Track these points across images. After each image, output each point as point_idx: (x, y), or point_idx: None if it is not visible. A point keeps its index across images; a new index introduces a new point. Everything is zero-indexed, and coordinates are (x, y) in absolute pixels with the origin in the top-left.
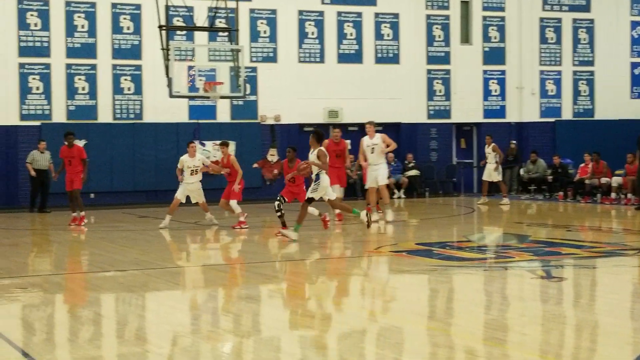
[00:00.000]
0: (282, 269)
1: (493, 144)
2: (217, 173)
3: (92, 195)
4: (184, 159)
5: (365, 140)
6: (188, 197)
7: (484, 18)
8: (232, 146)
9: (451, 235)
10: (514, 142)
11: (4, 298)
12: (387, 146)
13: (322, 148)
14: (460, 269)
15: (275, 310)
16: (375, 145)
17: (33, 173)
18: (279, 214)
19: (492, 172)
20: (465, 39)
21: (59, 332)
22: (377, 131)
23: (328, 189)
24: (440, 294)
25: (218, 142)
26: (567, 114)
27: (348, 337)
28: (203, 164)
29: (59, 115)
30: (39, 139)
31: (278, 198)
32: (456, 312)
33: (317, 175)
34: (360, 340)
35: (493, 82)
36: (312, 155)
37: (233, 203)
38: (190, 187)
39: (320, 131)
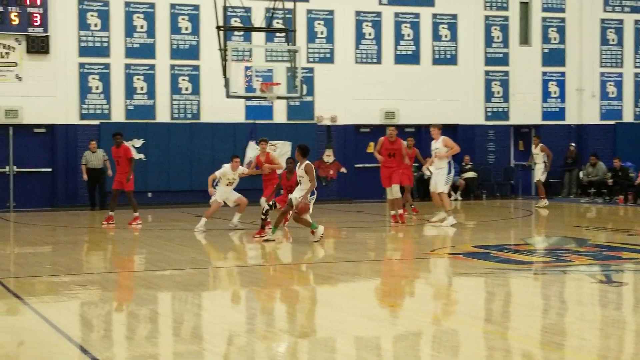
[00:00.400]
0: (337, 270)
1: (541, 144)
2: (256, 174)
3: (149, 195)
4: (227, 171)
5: (432, 145)
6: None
7: (544, 19)
8: (288, 146)
9: (509, 238)
10: (573, 144)
11: (63, 295)
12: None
13: (309, 162)
14: (518, 272)
15: (331, 311)
16: (436, 150)
17: (85, 177)
18: (263, 217)
19: (536, 173)
20: (525, 40)
21: (117, 330)
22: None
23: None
24: (498, 297)
25: (274, 142)
26: (628, 117)
27: (404, 339)
28: (243, 173)
29: (118, 115)
30: (90, 139)
31: (270, 204)
32: (513, 315)
33: (313, 191)
34: (416, 342)
35: (552, 84)
36: (300, 170)
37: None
38: (227, 193)
39: (305, 146)
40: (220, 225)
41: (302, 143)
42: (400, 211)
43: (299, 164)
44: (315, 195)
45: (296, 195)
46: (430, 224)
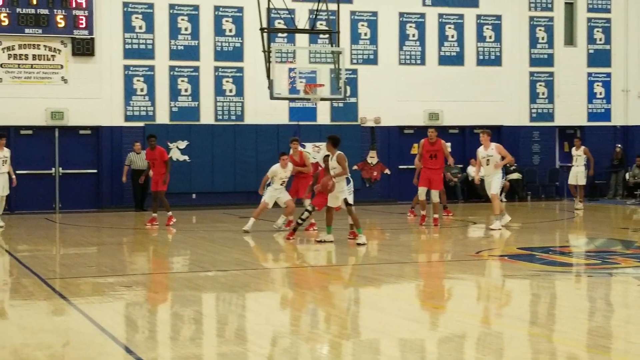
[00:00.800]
0: (382, 272)
1: (583, 146)
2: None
3: (193, 196)
4: (277, 169)
5: (481, 152)
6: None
7: (589, 19)
8: None
9: (554, 240)
10: (619, 145)
11: (108, 296)
12: (503, 158)
13: (341, 152)
14: (564, 274)
15: (376, 313)
16: (490, 157)
17: (124, 178)
18: (300, 221)
19: (579, 175)
20: (570, 40)
21: (162, 330)
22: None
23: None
24: (543, 299)
25: (318, 144)
26: None
27: (448, 342)
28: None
29: (162, 117)
30: (135, 140)
31: (309, 209)
32: (559, 318)
33: (348, 179)
34: (461, 345)
35: (598, 85)
36: (332, 161)
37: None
38: (277, 194)
39: (335, 136)
40: (266, 227)
41: (332, 134)
42: (436, 215)
43: (330, 155)
44: (352, 185)
45: (331, 201)
46: (491, 230)
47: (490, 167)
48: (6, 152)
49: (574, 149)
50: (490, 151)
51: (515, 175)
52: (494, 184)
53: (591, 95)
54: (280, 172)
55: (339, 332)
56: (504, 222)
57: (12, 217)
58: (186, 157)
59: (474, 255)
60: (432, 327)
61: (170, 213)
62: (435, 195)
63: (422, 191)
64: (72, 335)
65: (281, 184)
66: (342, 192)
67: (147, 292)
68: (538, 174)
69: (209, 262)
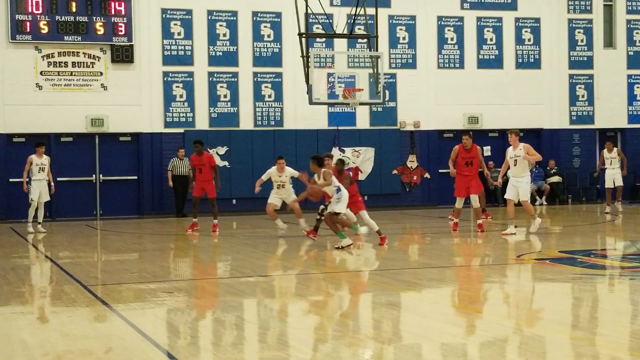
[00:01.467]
0: (423, 276)
1: (616, 148)
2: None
3: (233, 202)
4: (271, 172)
5: (509, 152)
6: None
7: (628, 21)
8: (371, 152)
9: (595, 243)
10: None
11: (151, 302)
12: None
13: (327, 170)
14: (606, 277)
15: (417, 317)
16: (518, 157)
17: (170, 183)
18: (318, 217)
19: (616, 177)
20: (609, 42)
21: (203, 336)
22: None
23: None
24: (585, 302)
25: (357, 148)
26: None
27: (491, 346)
28: (295, 175)
29: (202, 123)
30: (179, 146)
31: (322, 206)
32: (601, 321)
33: (338, 188)
34: (503, 349)
35: (638, 87)
36: (320, 180)
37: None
38: (280, 196)
39: (318, 156)
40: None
41: (315, 154)
42: (480, 221)
43: (317, 174)
44: (342, 194)
45: (332, 207)
46: (528, 233)
47: (517, 168)
48: (45, 160)
49: (605, 151)
50: (518, 151)
51: (556, 179)
52: (522, 191)
53: (631, 98)
54: (274, 175)
55: (380, 336)
56: (536, 225)
57: (53, 224)
58: (226, 163)
59: (516, 259)
60: (473, 331)
61: (216, 221)
62: (475, 200)
63: (459, 202)
64: (114, 342)
65: (278, 187)
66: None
67: (188, 298)
68: (579, 176)
69: (250, 267)
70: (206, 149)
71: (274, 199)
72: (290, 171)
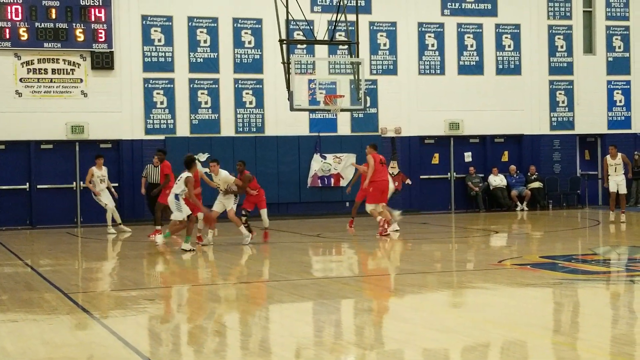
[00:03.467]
0: (404, 282)
1: (620, 153)
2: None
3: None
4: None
5: (608, 159)
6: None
7: (608, 27)
8: (352, 159)
9: (576, 248)
10: (638, 153)
11: (132, 309)
12: (625, 165)
13: (189, 174)
14: (587, 282)
15: (399, 323)
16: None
17: (143, 190)
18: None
19: (620, 184)
20: (589, 49)
21: (185, 343)
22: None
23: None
24: (566, 307)
25: (339, 154)
26: None
27: (472, 351)
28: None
29: (183, 129)
30: (155, 153)
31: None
32: (582, 326)
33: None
34: (485, 354)
35: (617, 93)
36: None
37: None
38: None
39: (185, 157)
40: (287, 238)
41: (188, 155)
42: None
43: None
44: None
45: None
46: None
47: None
48: (104, 171)
49: (608, 157)
50: (617, 159)
51: (537, 184)
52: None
53: (611, 103)
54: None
55: (362, 342)
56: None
57: (34, 232)
58: (207, 170)
59: (497, 264)
60: (455, 336)
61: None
62: None
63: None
64: (96, 350)
65: (221, 190)
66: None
67: (170, 304)
68: (559, 182)
69: (232, 274)
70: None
71: (216, 206)
72: (224, 175)
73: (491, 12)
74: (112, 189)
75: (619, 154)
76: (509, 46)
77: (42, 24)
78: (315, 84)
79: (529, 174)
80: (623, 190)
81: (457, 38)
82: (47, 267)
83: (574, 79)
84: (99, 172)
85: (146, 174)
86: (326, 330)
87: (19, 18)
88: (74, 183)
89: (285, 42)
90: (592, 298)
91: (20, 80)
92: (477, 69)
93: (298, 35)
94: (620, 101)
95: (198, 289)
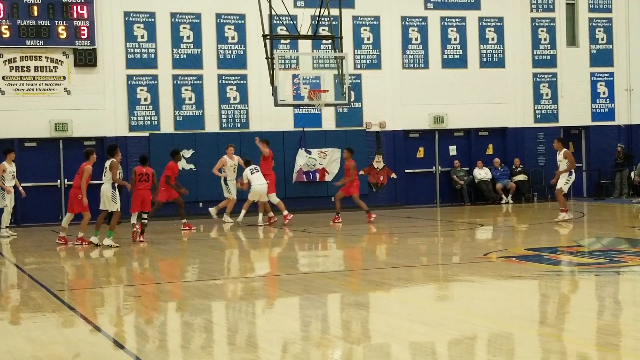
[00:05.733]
0: (390, 275)
1: (565, 149)
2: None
3: (200, 204)
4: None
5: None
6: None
7: (591, 20)
8: (337, 153)
9: (561, 240)
10: (621, 145)
11: (118, 306)
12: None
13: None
14: (571, 274)
15: (385, 317)
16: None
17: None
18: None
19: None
20: (572, 41)
21: (172, 339)
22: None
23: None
24: (552, 299)
25: (324, 149)
26: None
27: (459, 344)
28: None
29: (167, 126)
30: (139, 150)
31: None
32: (568, 317)
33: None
34: (471, 346)
35: (601, 85)
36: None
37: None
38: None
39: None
40: (274, 233)
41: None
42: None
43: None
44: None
45: None
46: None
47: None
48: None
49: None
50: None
51: (522, 177)
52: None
53: (595, 95)
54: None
55: (349, 336)
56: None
57: (19, 230)
58: (192, 166)
59: (482, 257)
60: (441, 329)
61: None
62: None
63: None
64: (83, 347)
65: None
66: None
67: (156, 301)
68: (544, 174)
69: (218, 270)
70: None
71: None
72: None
73: (474, 5)
74: (20, 187)
75: (564, 150)
76: (493, 39)
77: (24, 21)
78: (299, 79)
79: (513, 166)
80: (558, 186)
81: (441, 32)
82: (32, 265)
83: (558, 72)
84: (10, 168)
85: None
86: (313, 325)
87: (1, 16)
88: (58, 181)
89: (268, 37)
90: (578, 290)
91: (3, 78)
92: (460, 62)
93: (281, 31)
94: (603, 93)
95: (184, 285)
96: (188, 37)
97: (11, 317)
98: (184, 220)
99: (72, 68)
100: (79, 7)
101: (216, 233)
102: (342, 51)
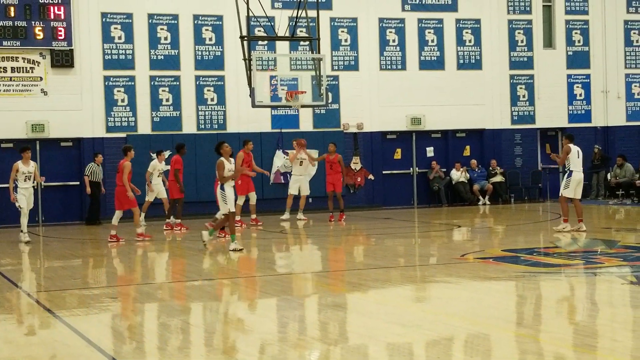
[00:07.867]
0: (368, 277)
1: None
2: None
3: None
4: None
5: None
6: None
7: (567, 22)
8: (315, 155)
9: (538, 242)
10: (598, 146)
11: (94, 307)
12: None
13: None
14: (549, 275)
15: (363, 318)
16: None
17: (88, 190)
18: None
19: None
20: (549, 43)
21: (149, 341)
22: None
23: None
24: (529, 300)
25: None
26: None
27: (436, 345)
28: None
29: (144, 127)
30: (94, 152)
31: None
32: (545, 318)
33: None
34: (448, 347)
35: (577, 87)
36: None
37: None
38: None
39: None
40: (251, 235)
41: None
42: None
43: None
44: None
45: None
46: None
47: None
48: (31, 167)
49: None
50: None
51: (499, 178)
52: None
53: (571, 97)
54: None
55: (326, 338)
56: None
57: None
58: (169, 167)
59: (460, 258)
60: (418, 330)
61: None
62: None
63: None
64: (59, 348)
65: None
66: None
67: (133, 302)
68: (521, 176)
69: (195, 271)
70: (148, 153)
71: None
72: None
73: (451, 7)
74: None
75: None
76: (470, 41)
77: (1, 22)
78: (276, 80)
79: (490, 168)
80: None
81: (418, 33)
82: (8, 267)
83: (535, 73)
84: (25, 169)
85: (90, 172)
86: (290, 326)
87: None
88: (35, 182)
89: (246, 38)
90: (554, 290)
91: None
92: (438, 64)
93: (259, 32)
94: (580, 95)
95: (162, 287)
96: (165, 38)
97: None
98: (167, 220)
99: (49, 69)
100: (56, 8)
101: (196, 234)
102: (319, 52)
